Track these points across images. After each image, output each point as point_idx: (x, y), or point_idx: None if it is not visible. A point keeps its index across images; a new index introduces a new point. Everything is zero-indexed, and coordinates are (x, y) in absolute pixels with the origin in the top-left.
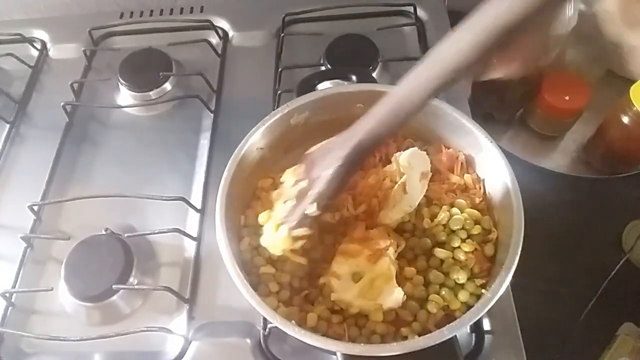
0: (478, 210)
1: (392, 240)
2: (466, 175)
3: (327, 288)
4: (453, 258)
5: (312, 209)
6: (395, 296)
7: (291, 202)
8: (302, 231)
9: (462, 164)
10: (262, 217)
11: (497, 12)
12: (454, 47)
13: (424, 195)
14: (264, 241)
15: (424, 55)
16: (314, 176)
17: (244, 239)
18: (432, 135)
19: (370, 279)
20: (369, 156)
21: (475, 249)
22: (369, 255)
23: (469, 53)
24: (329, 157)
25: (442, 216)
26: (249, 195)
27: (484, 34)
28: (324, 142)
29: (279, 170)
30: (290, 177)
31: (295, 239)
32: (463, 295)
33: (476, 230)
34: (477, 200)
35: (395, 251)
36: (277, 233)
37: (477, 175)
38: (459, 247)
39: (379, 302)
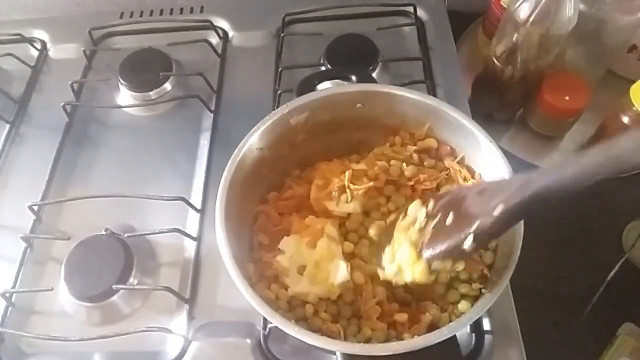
0: None
1: (327, 220)
2: (468, 183)
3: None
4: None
5: (468, 244)
6: (341, 272)
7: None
8: (441, 264)
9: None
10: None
11: None
12: None
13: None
14: (393, 271)
15: None
16: (468, 212)
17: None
18: (432, 135)
19: (315, 263)
20: (543, 211)
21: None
22: (307, 242)
23: None
24: (494, 199)
25: None
26: (249, 196)
27: None
28: (474, 184)
29: (279, 171)
30: (417, 210)
31: (433, 272)
32: (463, 306)
33: None
34: None
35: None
36: (416, 264)
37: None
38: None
39: (330, 281)
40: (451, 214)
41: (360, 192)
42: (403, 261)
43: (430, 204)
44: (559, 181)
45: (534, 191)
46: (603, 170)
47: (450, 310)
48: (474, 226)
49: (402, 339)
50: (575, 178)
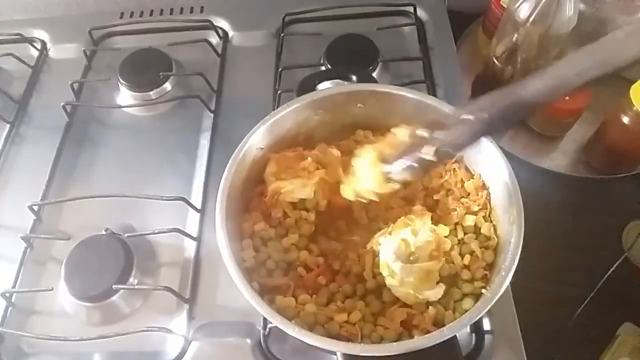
0: (474, 215)
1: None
2: (467, 183)
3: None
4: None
5: (429, 154)
6: (437, 290)
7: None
8: (401, 177)
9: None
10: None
11: None
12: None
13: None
14: (356, 179)
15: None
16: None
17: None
18: None
19: (427, 270)
20: (512, 126)
21: (475, 255)
22: (432, 251)
23: None
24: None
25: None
26: (249, 196)
27: None
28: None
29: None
30: (405, 131)
31: (391, 180)
32: (466, 303)
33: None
34: (476, 207)
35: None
36: (374, 170)
37: (483, 183)
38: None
39: (424, 293)
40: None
41: (313, 177)
42: (363, 168)
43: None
44: (524, 98)
45: (503, 105)
46: (589, 74)
47: (454, 308)
48: (434, 134)
49: (412, 337)
50: (553, 88)
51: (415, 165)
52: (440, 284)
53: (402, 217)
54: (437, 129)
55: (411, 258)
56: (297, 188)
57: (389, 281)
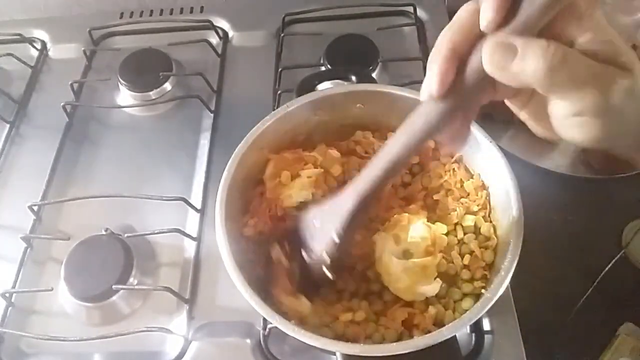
0: (474, 215)
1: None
2: (467, 183)
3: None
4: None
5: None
6: (434, 286)
7: None
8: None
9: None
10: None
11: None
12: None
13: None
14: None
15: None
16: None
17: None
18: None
19: (422, 265)
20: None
21: (474, 255)
22: (427, 247)
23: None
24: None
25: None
26: (249, 196)
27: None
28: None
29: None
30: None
31: None
32: (466, 303)
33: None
34: (476, 208)
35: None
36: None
37: (483, 183)
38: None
39: (421, 289)
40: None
41: (311, 179)
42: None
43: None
44: (370, 183)
45: (354, 202)
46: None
47: (454, 308)
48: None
49: (412, 337)
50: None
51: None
52: (438, 279)
53: (395, 215)
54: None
55: (405, 254)
56: (296, 192)
57: (385, 278)
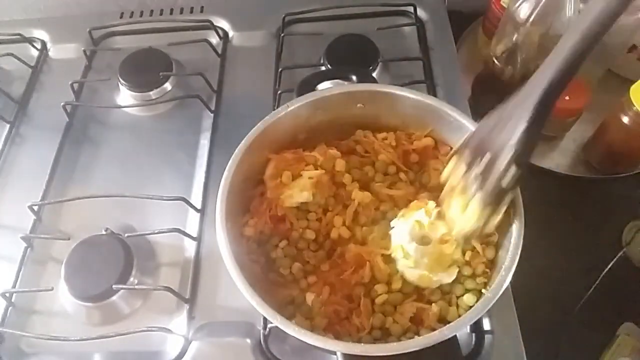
0: None
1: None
2: None
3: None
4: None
5: (512, 171)
6: (451, 272)
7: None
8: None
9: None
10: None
11: None
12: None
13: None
14: (453, 225)
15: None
16: (496, 148)
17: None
18: (432, 135)
19: (440, 252)
20: (555, 104)
21: (476, 251)
22: (444, 234)
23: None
24: (510, 123)
25: None
26: (249, 196)
27: None
28: (485, 119)
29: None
30: (453, 169)
31: (489, 213)
32: (469, 299)
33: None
34: None
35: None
36: (467, 211)
37: None
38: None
39: (438, 275)
40: (479, 159)
41: (312, 180)
42: (454, 214)
43: (462, 161)
44: (554, 78)
45: (541, 92)
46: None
47: (457, 304)
48: (509, 155)
49: (418, 333)
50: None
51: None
52: (455, 266)
53: (414, 201)
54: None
55: (424, 240)
56: (296, 192)
57: (402, 263)
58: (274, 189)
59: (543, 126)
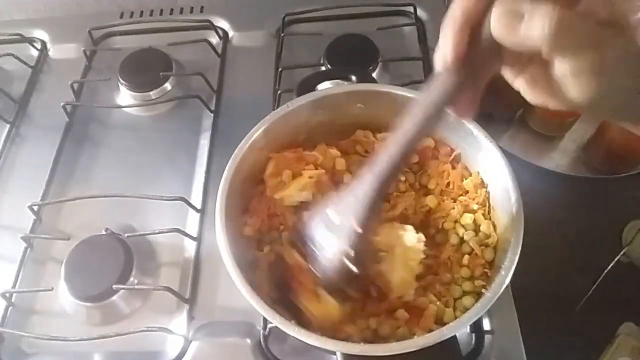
0: (472, 213)
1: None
2: (466, 181)
3: None
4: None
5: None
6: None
7: None
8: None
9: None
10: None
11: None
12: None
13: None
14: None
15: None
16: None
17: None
18: (432, 136)
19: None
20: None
21: (474, 253)
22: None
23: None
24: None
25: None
26: (249, 196)
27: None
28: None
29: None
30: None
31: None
32: (467, 301)
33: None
34: (475, 206)
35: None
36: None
37: (482, 180)
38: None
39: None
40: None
41: (312, 180)
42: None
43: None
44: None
45: (374, 186)
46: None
47: (454, 306)
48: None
49: (413, 335)
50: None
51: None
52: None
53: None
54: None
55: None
56: (296, 192)
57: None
58: (274, 187)
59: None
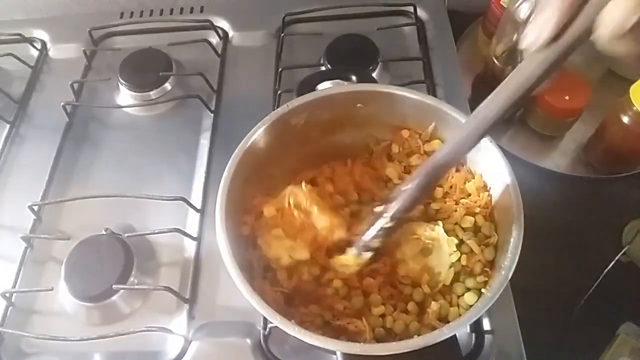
0: (473, 215)
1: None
2: (468, 184)
3: None
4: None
5: (387, 222)
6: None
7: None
8: (371, 246)
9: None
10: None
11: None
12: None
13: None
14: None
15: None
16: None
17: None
18: (432, 135)
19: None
20: (436, 184)
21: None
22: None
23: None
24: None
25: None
26: (249, 196)
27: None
28: None
29: (279, 171)
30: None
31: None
32: (469, 298)
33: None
34: (477, 209)
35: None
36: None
37: (485, 183)
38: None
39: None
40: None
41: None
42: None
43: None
44: (453, 149)
45: (425, 171)
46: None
47: (457, 302)
48: (388, 207)
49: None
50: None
51: (380, 233)
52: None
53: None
54: (388, 202)
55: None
56: (292, 253)
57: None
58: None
59: (423, 197)
